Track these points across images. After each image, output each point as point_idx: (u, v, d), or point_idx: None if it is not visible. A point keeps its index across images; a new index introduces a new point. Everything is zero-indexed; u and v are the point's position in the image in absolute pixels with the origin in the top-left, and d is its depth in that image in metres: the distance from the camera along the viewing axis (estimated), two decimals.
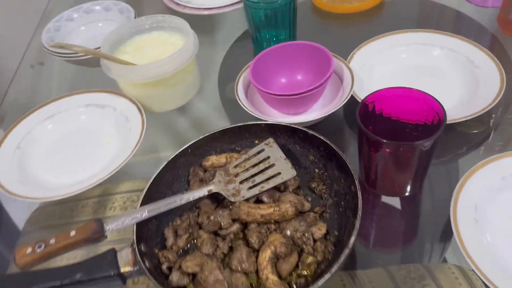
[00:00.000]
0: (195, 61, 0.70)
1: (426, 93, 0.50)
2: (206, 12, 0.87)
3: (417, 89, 0.50)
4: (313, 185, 0.53)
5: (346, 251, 0.41)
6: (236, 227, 0.49)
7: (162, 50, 0.70)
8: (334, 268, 0.40)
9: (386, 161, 0.49)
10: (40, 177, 0.62)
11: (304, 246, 0.46)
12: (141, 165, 0.65)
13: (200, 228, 0.51)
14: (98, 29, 0.84)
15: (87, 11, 0.85)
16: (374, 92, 0.51)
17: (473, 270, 0.44)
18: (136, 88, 0.67)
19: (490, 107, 0.58)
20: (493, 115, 0.63)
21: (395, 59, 0.70)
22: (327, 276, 0.40)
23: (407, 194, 0.54)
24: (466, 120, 0.58)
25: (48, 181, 0.62)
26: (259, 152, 0.53)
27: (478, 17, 0.79)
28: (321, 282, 0.39)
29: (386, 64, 0.69)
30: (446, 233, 0.50)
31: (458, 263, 0.48)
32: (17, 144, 0.65)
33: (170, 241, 0.50)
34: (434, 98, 0.49)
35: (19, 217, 0.63)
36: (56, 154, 0.66)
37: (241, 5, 0.85)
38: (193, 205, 0.53)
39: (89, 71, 0.81)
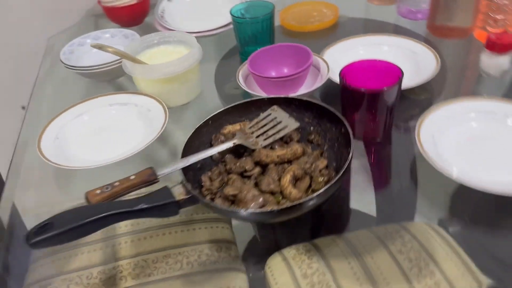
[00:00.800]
0: (199, 65, 0.85)
1: (385, 60, 0.68)
2: (195, 35, 1.04)
3: (379, 59, 0.69)
4: (311, 137, 0.68)
5: (347, 163, 0.56)
6: (258, 169, 0.63)
7: (169, 59, 0.85)
8: (344, 169, 0.54)
9: (363, 108, 0.66)
10: (78, 160, 0.72)
11: (313, 174, 0.61)
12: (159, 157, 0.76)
13: (229, 173, 0.64)
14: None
15: (96, 38, 0.98)
16: (347, 64, 0.69)
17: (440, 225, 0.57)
18: (153, 85, 0.80)
19: (430, 79, 0.78)
20: (434, 86, 0.83)
21: (355, 55, 0.90)
22: (338, 177, 0.54)
23: (378, 140, 0.71)
24: (415, 90, 0.78)
25: (85, 161, 0.72)
26: (267, 116, 0.68)
27: (411, 28, 1.03)
28: (334, 180, 0.54)
29: (347, 59, 0.88)
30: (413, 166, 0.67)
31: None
32: (55, 135, 0.74)
33: (207, 184, 0.62)
34: (392, 63, 0.68)
35: None
36: (89, 142, 0.76)
37: (224, 29, 1.03)
38: (220, 161, 0.66)
39: (98, 84, 0.94)
